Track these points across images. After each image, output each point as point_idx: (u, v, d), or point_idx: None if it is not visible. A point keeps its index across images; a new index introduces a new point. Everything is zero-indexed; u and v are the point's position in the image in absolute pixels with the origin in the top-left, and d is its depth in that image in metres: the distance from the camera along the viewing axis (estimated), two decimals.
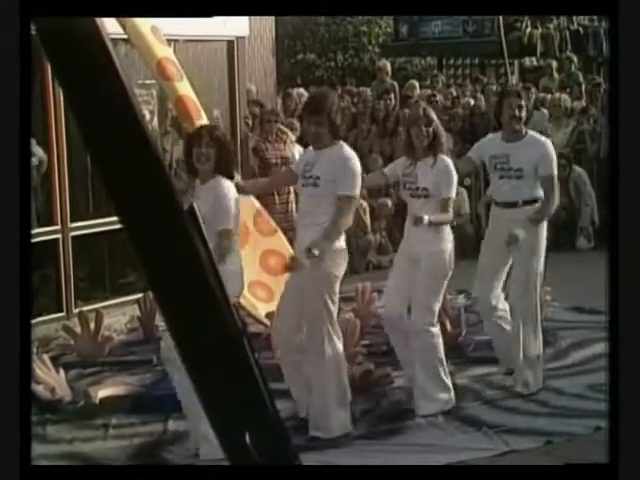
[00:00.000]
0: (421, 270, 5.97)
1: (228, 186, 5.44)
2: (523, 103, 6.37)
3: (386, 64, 14.89)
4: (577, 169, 11.47)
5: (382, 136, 11.95)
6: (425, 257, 5.95)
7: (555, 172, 6.35)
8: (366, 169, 6.76)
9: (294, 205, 8.77)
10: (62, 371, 6.50)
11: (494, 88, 13.61)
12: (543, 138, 6.56)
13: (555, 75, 15.06)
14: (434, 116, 6.15)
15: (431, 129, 6.02)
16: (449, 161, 6.07)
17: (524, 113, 6.36)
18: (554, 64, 15.60)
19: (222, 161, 5.46)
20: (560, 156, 11.52)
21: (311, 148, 5.84)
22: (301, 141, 9.13)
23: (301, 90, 12.78)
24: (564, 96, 12.81)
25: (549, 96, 12.96)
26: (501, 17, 17.59)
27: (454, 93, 13.71)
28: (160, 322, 6.96)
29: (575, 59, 15.84)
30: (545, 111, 12.42)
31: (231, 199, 5.38)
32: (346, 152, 5.72)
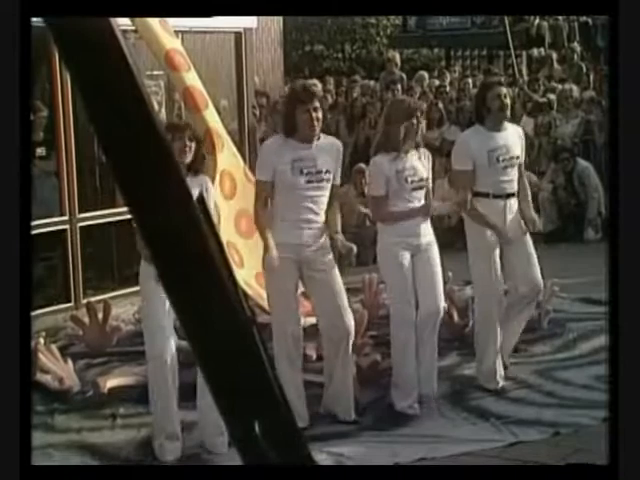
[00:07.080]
0: (431, 260, 5.97)
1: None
2: (506, 91, 6.38)
3: (395, 55, 14.86)
4: (582, 162, 11.39)
5: None
6: (432, 246, 5.98)
7: None
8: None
9: None
10: (70, 361, 6.53)
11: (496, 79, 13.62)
12: (516, 125, 6.72)
13: (556, 66, 15.05)
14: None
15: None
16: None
17: (509, 100, 6.40)
18: (554, 55, 15.60)
19: (199, 156, 5.41)
20: (563, 149, 11.56)
21: (287, 141, 5.53)
22: None
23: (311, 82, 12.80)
24: (572, 87, 12.78)
25: (559, 87, 12.95)
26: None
27: (470, 84, 13.67)
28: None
29: (578, 49, 15.79)
30: (553, 97, 12.40)
31: None
32: (336, 140, 5.87)
